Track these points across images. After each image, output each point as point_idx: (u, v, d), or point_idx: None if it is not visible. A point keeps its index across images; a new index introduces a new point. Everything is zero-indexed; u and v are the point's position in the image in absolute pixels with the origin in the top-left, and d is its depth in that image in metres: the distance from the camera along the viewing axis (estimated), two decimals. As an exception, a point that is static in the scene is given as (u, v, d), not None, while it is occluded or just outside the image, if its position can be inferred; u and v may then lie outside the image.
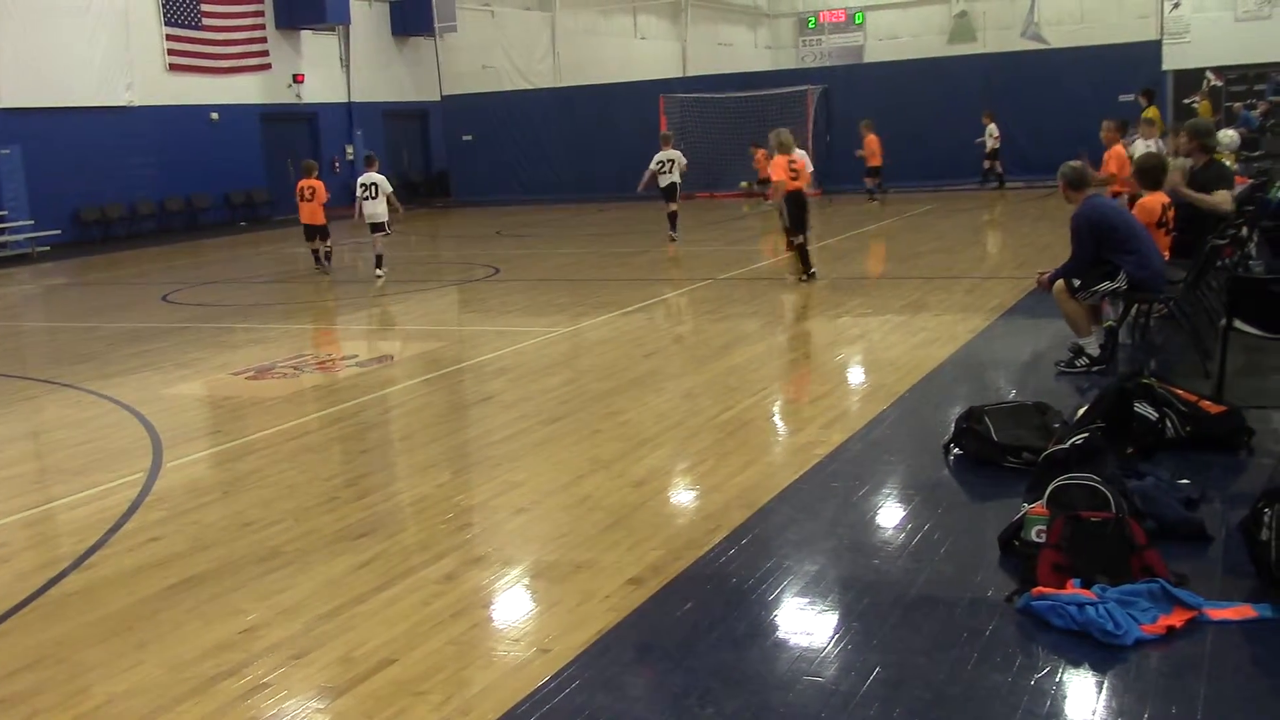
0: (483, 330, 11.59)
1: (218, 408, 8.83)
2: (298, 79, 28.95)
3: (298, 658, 4.20)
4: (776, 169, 12.97)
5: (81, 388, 9.41)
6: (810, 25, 44.47)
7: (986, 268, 13.93)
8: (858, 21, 43.35)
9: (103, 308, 15.03)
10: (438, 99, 31.82)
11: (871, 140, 23.17)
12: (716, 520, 5.37)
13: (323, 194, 16.59)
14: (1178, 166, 10.18)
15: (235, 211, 27.36)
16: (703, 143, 26.02)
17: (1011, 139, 24.47)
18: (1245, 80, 28.32)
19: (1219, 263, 8.93)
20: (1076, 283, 7.71)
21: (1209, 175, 9.22)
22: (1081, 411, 6.01)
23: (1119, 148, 11.74)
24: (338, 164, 30.27)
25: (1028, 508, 4.78)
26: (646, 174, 18.40)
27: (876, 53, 39.77)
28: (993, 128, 23.90)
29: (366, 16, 30.60)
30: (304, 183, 16.70)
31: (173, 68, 25.81)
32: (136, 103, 24.87)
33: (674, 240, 18.29)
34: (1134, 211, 8.19)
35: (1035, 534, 4.58)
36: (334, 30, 29.70)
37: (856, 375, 8.69)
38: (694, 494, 5.98)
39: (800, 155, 15.99)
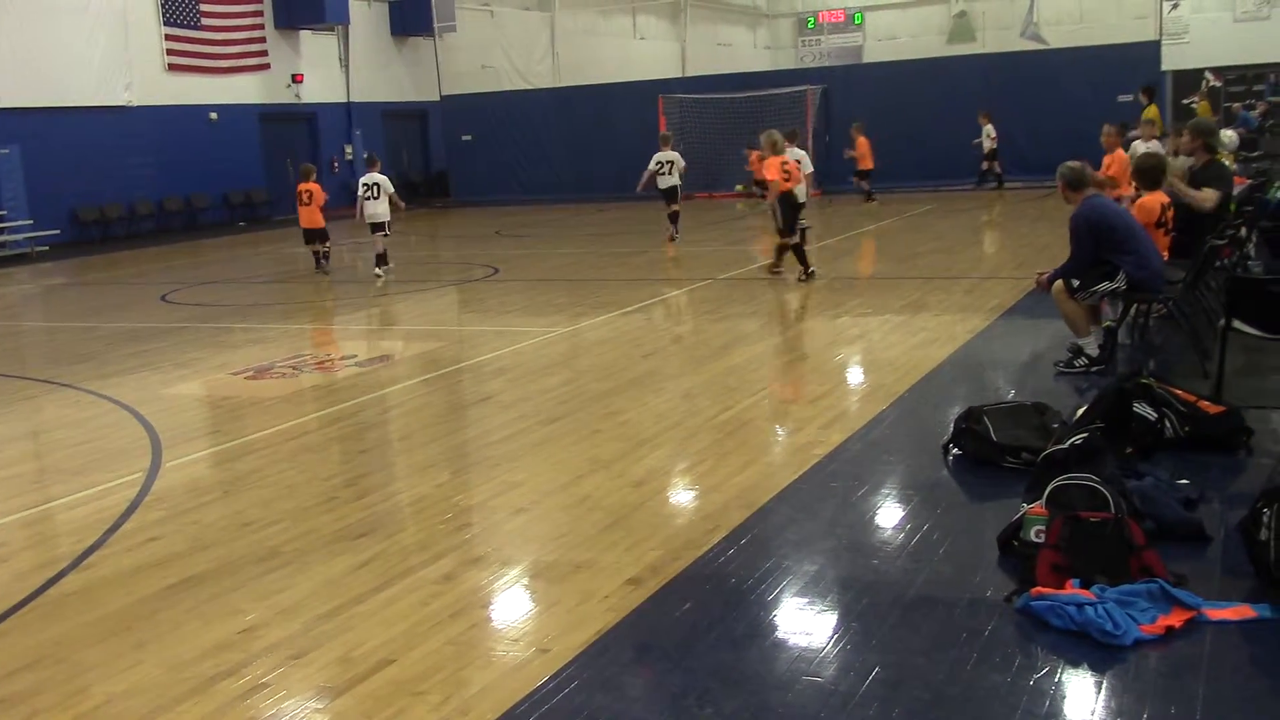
0: (482, 330, 11.59)
1: (217, 408, 8.82)
2: (297, 79, 28.94)
3: (297, 658, 4.20)
4: (770, 169, 13.01)
5: (80, 387, 9.41)
6: (809, 25, 44.47)
7: (986, 268, 13.94)
8: (857, 22, 43.35)
9: (101, 308, 15.03)
10: (437, 99, 31.82)
11: (862, 142, 23.19)
12: (715, 520, 5.37)
13: (320, 197, 16.60)
14: (1178, 166, 10.19)
15: (234, 211, 27.36)
16: (702, 143, 26.02)
17: (1010, 139, 24.48)
18: (1244, 81, 28.36)
19: (1218, 263, 8.93)
20: (1075, 283, 7.72)
21: (1208, 175, 9.23)
22: (1080, 412, 6.01)
23: (1121, 152, 11.69)
24: (336, 164, 30.28)
25: (1027, 508, 4.78)
26: (645, 174, 18.41)
27: (876, 53, 39.78)
28: (990, 128, 23.91)
29: (366, 16, 30.60)
30: (302, 186, 16.72)
31: (172, 67, 25.81)
32: (135, 102, 24.87)
33: (674, 239, 18.29)
34: (1133, 211, 8.19)
35: (1034, 534, 4.58)
36: (333, 30, 29.70)
37: (855, 375, 8.70)
38: (693, 494, 5.98)
39: (798, 155, 16.10)
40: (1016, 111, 24.75)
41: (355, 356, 10.40)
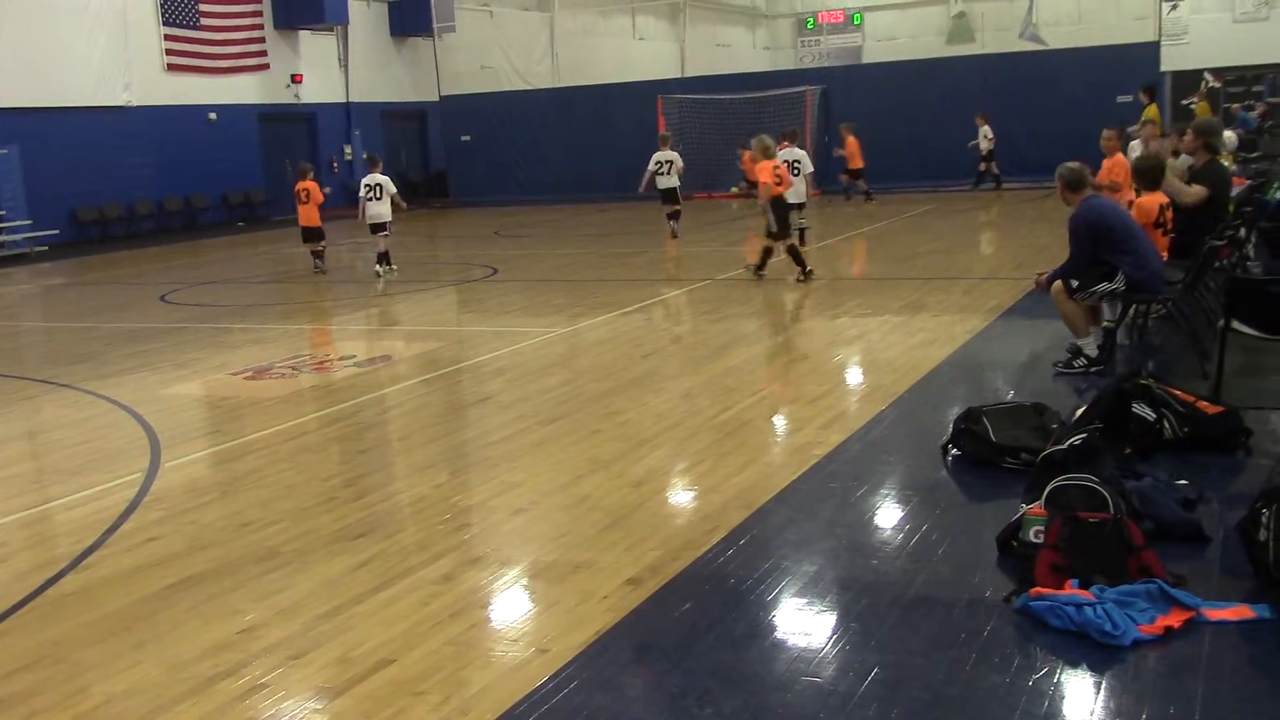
0: (481, 330, 11.59)
1: (216, 408, 8.82)
2: (296, 79, 28.94)
3: (296, 658, 4.20)
4: (763, 173, 13.04)
5: (79, 388, 9.41)
6: (809, 26, 44.50)
7: (985, 268, 13.94)
8: (856, 22, 43.38)
9: (100, 308, 15.02)
10: (436, 99, 31.82)
11: (851, 142, 23.22)
12: (715, 521, 5.37)
13: (318, 196, 16.60)
14: (1178, 166, 10.20)
15: (233, 212, 27.36)
16: (701, 144, 26.04)
17: (1009, 140, 24.49)
18: (1243, 81, 28.35)
19: (1217, 263, 8.94)
20: (1074, 284, 7.72)
21: (1205, 175, 9.25)
22: (1079, 412, 6.01)
23: (1120, 156, 11.65)
24: (336, 164, 30.28)
25: (1026, 508, 4.78)
26: (646, 175, 18.47)
27: (875, 53, 39.80)
28: (986, 129, 23.93)
29: (365, 17, 30.60)
30: (299, 185, 16.74)
31: (171, 68, 25.81)
32: (134, 103, 24.86)
33: (674, 237, 18.32)
34: (1132, 212, 8.19)
35: (1033, 534, 4.58)
36: (332, 30, 29.70)
37: (855, 376, 8.70)
38: (692, 494, 5.98)
39: (798, 155, 16.14)
40: (1015, 112, 24.76)
41: (354, 357, 10.40)
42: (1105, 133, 11.50)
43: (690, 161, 20.28)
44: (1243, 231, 10.02)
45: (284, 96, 28.68)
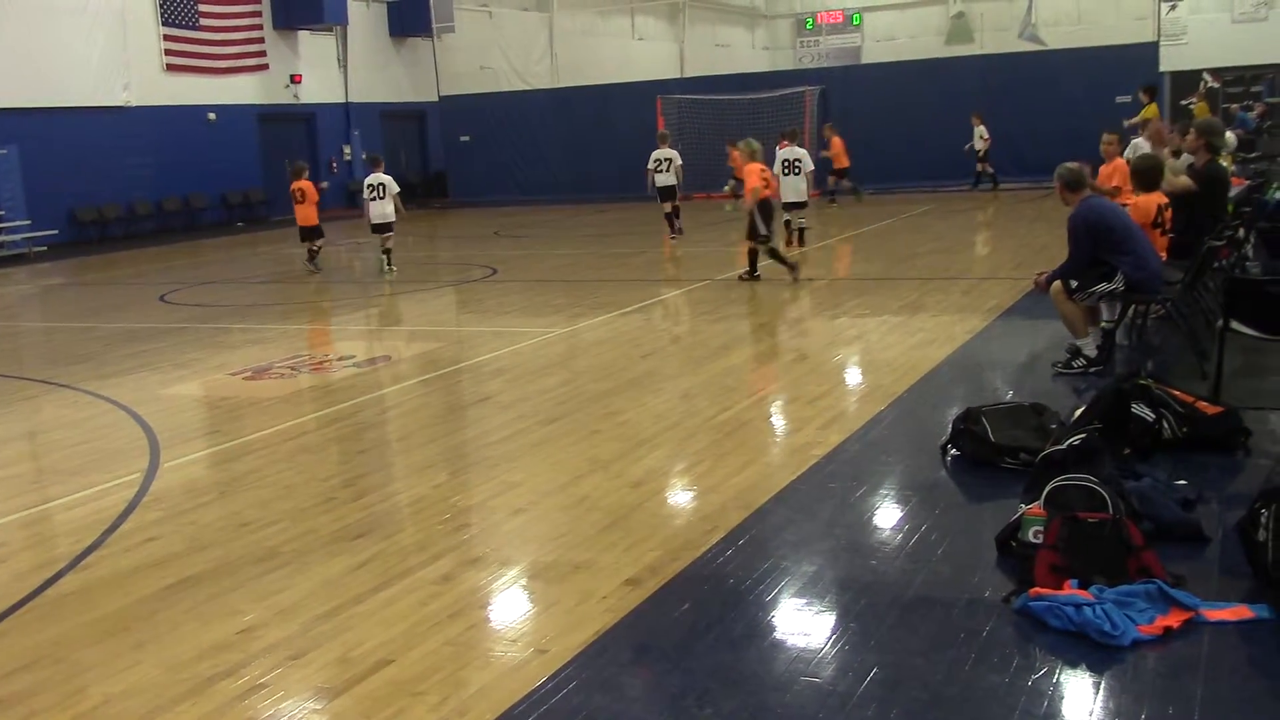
0: (480, 331, 11.59)
1: (215, 408, 8.82)
2: (295, 79, 28.94)
3: (295, 658, 4.20)
4: (751, 175, 13.05)
5: (78, 388, 9.41)
6: (808, 26, 44.52)
7: (984, 269, 13.95)
8: (855, 23, 43.40)
9: (100, 308, 15.02)
10: (435, 99, 31.83)
11: (837, 142, 23.23)
12: (714, 521, 5.37)
13: (313, 194, 16.62)
14: (1179, 166, 10.20)
15: (232, 212, 27.36)
16: (700, 144, 26.04)
17: (1009, 140, 24.50)
18: (1242, 82, 28.36)
19: (1216, 264, 8.94)
20: (1074, 284, 7.72)
21: (1203, 173, 9.26)
22: (1079, 412, 6.01)
23: (1120, 161, 11.60)
24: (335, 165, 30.29)
25: (1025, 508, 4.78)
26: (648, 174, 18.54)
27: (874, 54, 39.84)
28: (982, 129, 23.94)
29: (364, 17, 30.60)
30: (294, 185, 16.79)
31: (170, 68, 25.81)
32: (134, 103, 24.86)
33: (674, 238, 18.33)
34: (1130, 212, 8.19)
35: (1032, 535, 4.58)
36: (331, 31, 29.70)
37: (854, 376, 8.70)
38: (691, 495, 5.98)
39: (798, 154, 16.16)
40: (1014, 112, 24.77)
41: (353, 357, 10.40)
42: (1105, 137, 11.33)
43: (689, 161, 20.29)
44: (1241, 232, 10.02)
45: (283, 97, 28.68)
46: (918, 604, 4.35)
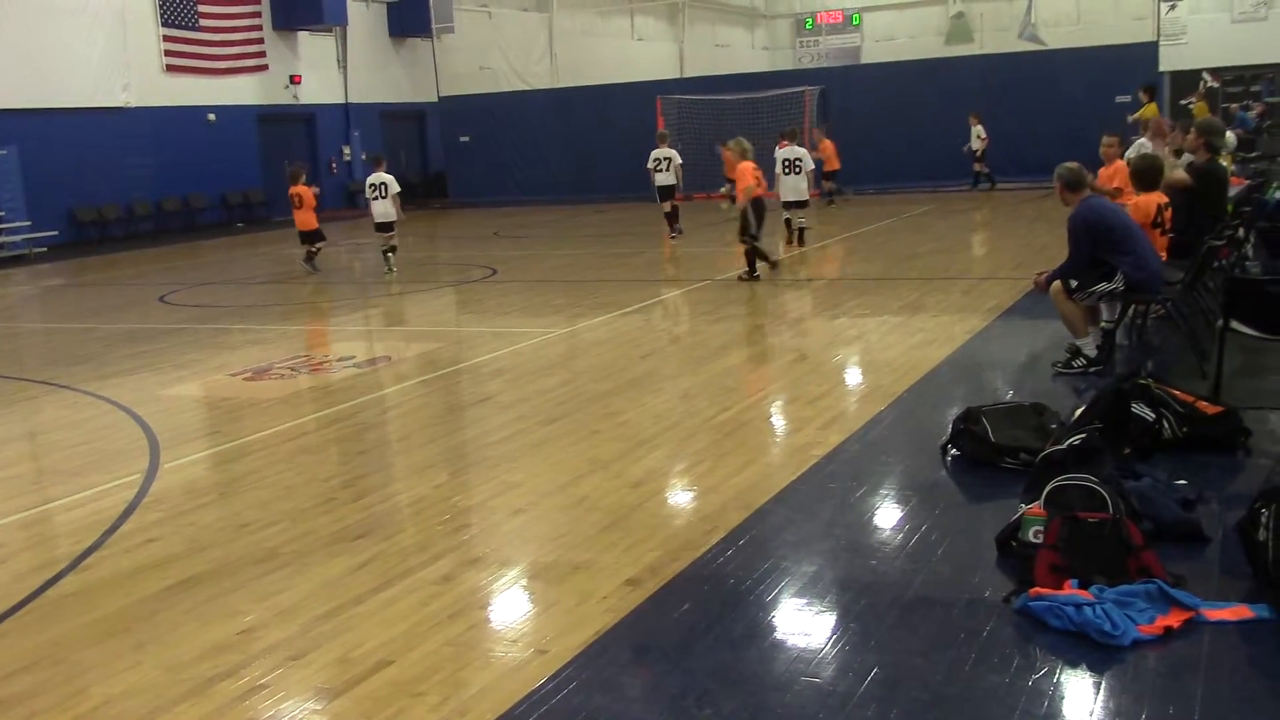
0: (480, 331, 11.59)
1: (215, 409, 8.82)
2: (295, 80, 28.95)
3: (295, 659, 4.20)
4: (746, 174, 13.05)
5: (78, 389, 9.41)
6: (808, 26, 44.52)
7: (984, 269, 13.95)
8: (855, 23, 43.40)
9: (100, 308, 15.02)
10: (435, 100, 31.83)
11: (827, 145, 23.24)
12: (714, 521, 5.37)
13: (310, 199, 16.63)
14: (1178, 166, 10.20)
15: (232, 212, 27.36)
16: (700, 144, 26.03)
17: (1008, 140, 24.50)
18: (1241, 81, 28.36)
19: (1216, 264, 8.94)
20: (1074, 284, 7.72)
21: (1202, 172, 9.28)
22: (1079, 412, 6.01)
23: (1121, 163, 11.57)
24: (335, 165, 30.30)
25: (1025, 508, 4.78)
26: (651, 175, 18.61)
27: (874, 54, 39.85)
28: (979, 129, 23.95)
29: (364, 17, 30.61)
30: (291, 190, 16.83)
31: (170, 68, 25.81)
32: (133, 103, 24.86)
33: (673, 238, 18.34)
34: (1129, 212, 8.19)
35: (1033, 535, 4.58)
36: (331, 31, 29.70)
37: (854, 376, 8.70)
38: (691, 495, 5.98)
39: (798, 154, 16.18)
40: (1014, 112, 24.77)
41: (353, 357, 10.40)
42: (1105, 139, 11.17)
43: (689, 161, 20.30)
44: (1241, 231, 10.02)
45: (283, 97, 28.69)
46: (918, 604, 4.35)
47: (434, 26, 30.91)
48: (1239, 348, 7.15)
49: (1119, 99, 22.61)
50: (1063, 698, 3.63)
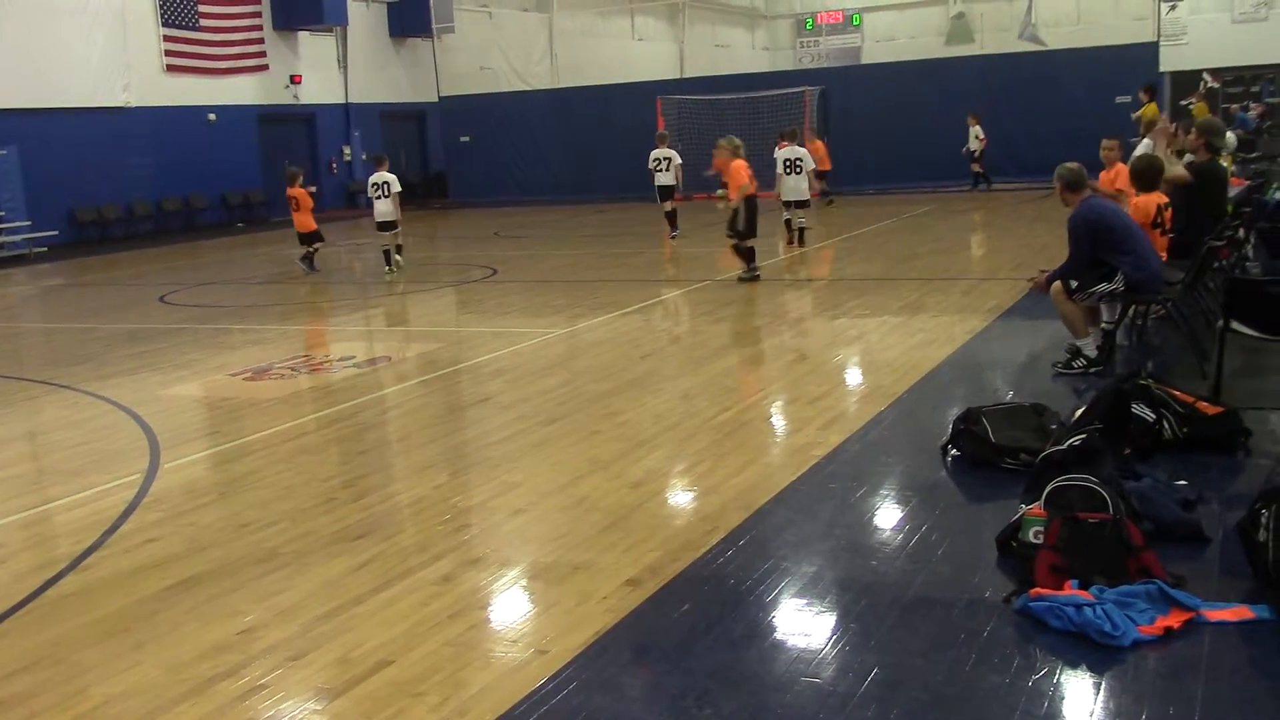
0: (480, 331, 11.59)
1: (215, 409, 8.82)
2: (295, 80, 28.95)
3: (295, 659, 4.20)
4: (740, 173, 13.03)
5: (79, 389, 9.41)
6: (808, 27, 44.53)
7: (984, 269, 13.95)
8: (855, 23, 43.41)
9: (100, 308, 15.02)
10: (435, 100, 31.83)
11: (818, 146, 23.22)
12: (714, 521, 5.37)
13: (307, 201, 16.66)
14: (1177, 164, 10.20)
15: (232, 212, 27.36)
16: (700, 144, 26.00)
17: (1009, 141, 24.50)
18: (1242, 82, 28.36)
19: (1216, 264, 8.94)
20: (1074, 284, 7.72)
21: (1200, 170, 9.28)
22: (1079, 413, 6.01)
23: (1122, 166, 11.51)
24: (335, 165, 30.30)
25: (1025, 509, 4.78)
26: (652, 175, 18.67)
27: (874, 54, 39.85)
28: (977, 129, 23.94)
29: (364, 17, 30.61)
30: (288, 192, 16.84)
31: (170, 68, 25.81)
32: (133, 103, 24.86)
33: (674, 238, 18.36)
34: (1129, 212, 8.19)
35: (1033, 535, 4.58)
36: (331, 31, 29.71)
37: (854, 376, 8.70)
38: (691, 495, 5.98)
39: (798, 154, 16.19)
40: (1015, 113, 24.77)
41: (353, 357, 10.40)
42: (1105, 143, 11.02)
43: (689, 162, 20.31)
44: (1241, 232, 10.02)
45: (283, 97, 28.69)
46: (918, 604, 4.35)
47: (434, 26, 30.91)
48: (1239, 348, 7.15)
49: (1119, 99, 22.62)
50: (1063, 698, 3.63)
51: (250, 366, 9.99)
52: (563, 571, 4.88)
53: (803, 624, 4.28)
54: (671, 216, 18.74)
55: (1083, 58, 25.30)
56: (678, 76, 33.48)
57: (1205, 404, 6.11)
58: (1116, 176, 10.84)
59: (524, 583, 4.87)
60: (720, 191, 13.67)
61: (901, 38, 41.41)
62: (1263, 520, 4.24)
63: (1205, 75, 25.26)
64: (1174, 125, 13.45)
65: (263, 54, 27.97)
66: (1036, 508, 4.70)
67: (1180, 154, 11.18)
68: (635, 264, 16.44)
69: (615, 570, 4.83)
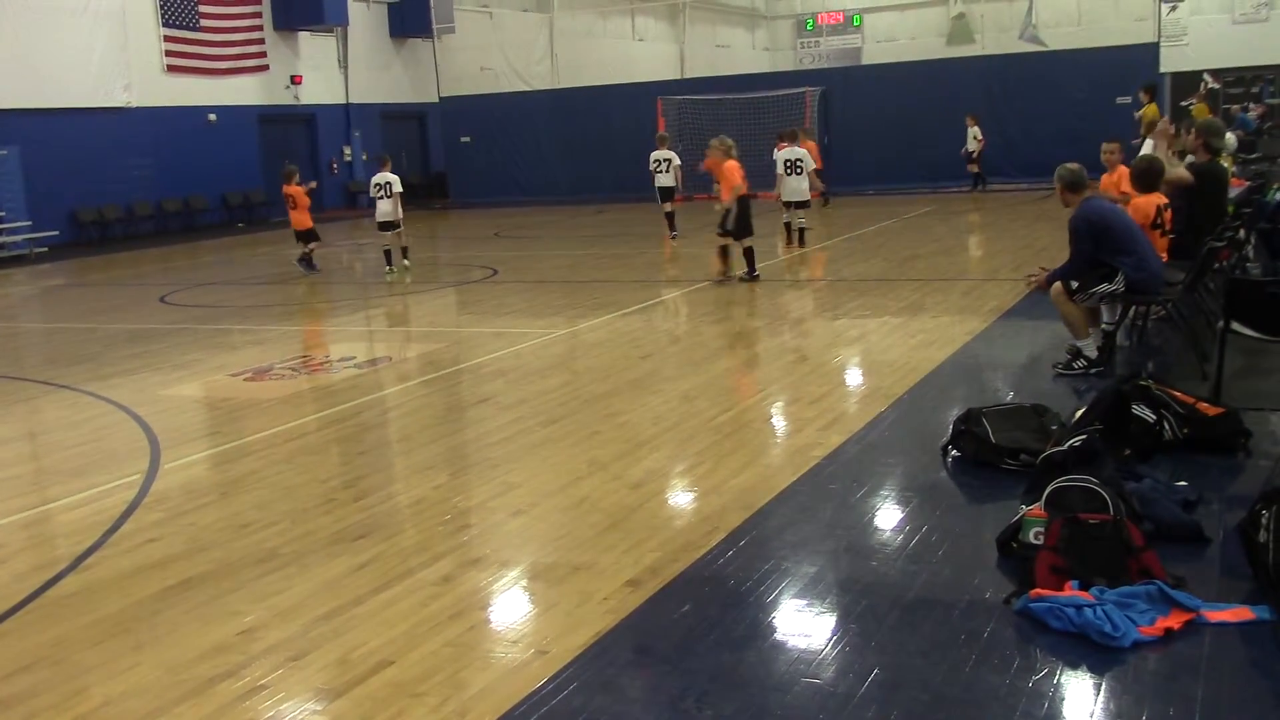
0: (480, 332, 11.59)
1: (215, 409, 8.82)
2: (296, 80, 28.95)
3: (295, 659, 4.20)
4: (733, 173, 13.04)
5: (79, 389, 9.41)
6: (808, 27, 44.52)
7: (984, 270, 13.94)
8: (856, 24, 43.40)
9: (100, 309, 15.02)
10: (435, 100, 31.84)
11: (810, 146, 23.19)
12: (714, 522, 5.37)
13: (303, 200, 16.67)
14: (1178, 165, 10.19)
15: (233, 213, 27.37)
16: (701, 145, 25.98)
17: (1009, 141, 24.51)
18: (1242, 83, 28.33)
19: (1216, 265, 8.94)
20: (1074, 285, 7.72)
21: (1201, 170, 9.28)
22: (1079, 413, 6.01)
23: (1124, 169, 11.44)
24: (335, 165, 30.30)
25: (1025, 510, 4.78)
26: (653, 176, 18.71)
27: (874, 55, 39.84)
28: (975, 130, 23.94)
29: (364, 18, 30.62)
30: (284, 190, 16.86)
31: (170, 69, 25.83)
32: (134, 104, 24.88)
33: (673, 238, 18.37)
34: (1128, 212, 8.19)
35: (1033, 536, 4.58)
36: (332, 31, 29.72)
37: (854, 377, 8.70)
38: (692, 496, 5.98)
39: (799, 154, 16.21)
40: (1015, 114, 24.78)
41: (354, 358, 10.40)
42: (1106, 146, 10.77)
43: (690, 163, 20.31)
44: (1242, 233, 10.02)
45: (284, 98, 28.70)
46: (918, 605, 4.35)
47: (435, 27, 30.92)
48: (1239, 349, 7.15)
49: (1120, 100, 22.62)
50: (1063, 699, 3.63)
51: (251, 367, 9.99)
52: (563, 572, 4.88)
53: (803, 625, 4.28)
54: (670, 218, 18.75)
55: (1083, 58, 25.30)
56: (678, 77, 33.48)
57: (1206, 405, 6.11)
58: (1119, 180, 10.81)
59: (524, 583, 4.87)
60: (716, 188, 13.66)
61: (902, 38, 41.42)
62: (1263, 521, 4.24)
63: (1206, 76, 25.23)
64: (1174, 126, 13.42)
65: (263, 54, 27.98)
66: (1037, 508, 4.70)
67: (1182, 155, 11.16)
68: (636, 264, 16.44)
69: (615, 571, 4.83)
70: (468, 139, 31.04)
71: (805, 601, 4.47)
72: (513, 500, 5.92)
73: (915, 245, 16.26)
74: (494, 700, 3.79)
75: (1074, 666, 3.82)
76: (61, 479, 6.87)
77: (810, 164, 16.40)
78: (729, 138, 13.73)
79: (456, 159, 31.51)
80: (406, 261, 16.40)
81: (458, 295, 14.52)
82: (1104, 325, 8.05)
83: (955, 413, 6.39)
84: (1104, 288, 7.67)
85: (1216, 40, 25.64)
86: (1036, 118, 24.55)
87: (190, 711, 3.86)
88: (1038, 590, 4.20)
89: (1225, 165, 11.08)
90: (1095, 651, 3.88)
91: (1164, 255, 8.29)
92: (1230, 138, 15.79)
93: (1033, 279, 8.17)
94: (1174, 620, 4.02)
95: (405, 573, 4.97)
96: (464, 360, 9.88)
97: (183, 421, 8.32)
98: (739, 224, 13.08)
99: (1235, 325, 6.63)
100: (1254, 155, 20.23)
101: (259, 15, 27.83)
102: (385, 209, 16.05)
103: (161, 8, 25.47)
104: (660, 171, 18.71)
